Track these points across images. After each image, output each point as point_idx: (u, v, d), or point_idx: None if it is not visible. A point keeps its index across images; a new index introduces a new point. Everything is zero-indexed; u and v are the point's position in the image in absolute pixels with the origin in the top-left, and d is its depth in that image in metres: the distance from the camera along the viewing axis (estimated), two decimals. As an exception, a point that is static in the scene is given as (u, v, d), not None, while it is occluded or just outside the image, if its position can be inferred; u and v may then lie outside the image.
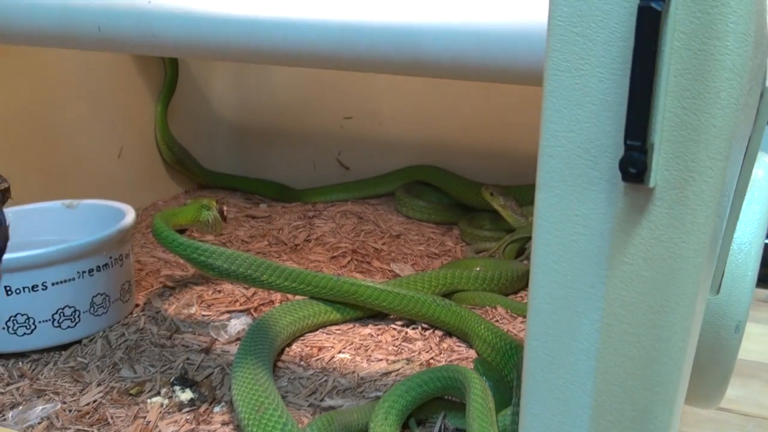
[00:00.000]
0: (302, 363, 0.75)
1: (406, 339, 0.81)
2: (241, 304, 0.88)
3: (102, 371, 0.74)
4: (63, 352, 0.77)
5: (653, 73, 0.30)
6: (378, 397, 0.68)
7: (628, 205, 0.33)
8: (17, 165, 1.00)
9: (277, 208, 1.25)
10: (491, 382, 0.64)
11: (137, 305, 0.88)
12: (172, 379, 0.72)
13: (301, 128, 1.36)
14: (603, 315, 0.34)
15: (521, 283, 0.94)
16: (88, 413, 0.67)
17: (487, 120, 1.22)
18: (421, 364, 0.75)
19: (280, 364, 0.76)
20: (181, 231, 0.97)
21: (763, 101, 0.43)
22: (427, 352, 0.78)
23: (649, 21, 0.29)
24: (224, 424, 0.65)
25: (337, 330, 0.83)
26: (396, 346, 0.79)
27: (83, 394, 0.70)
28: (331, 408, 0.67)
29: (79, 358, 0.76)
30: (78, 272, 0.76)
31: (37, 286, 0.74)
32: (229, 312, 0.86)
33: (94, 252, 0.77)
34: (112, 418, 0.67)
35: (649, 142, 0.31)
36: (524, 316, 0.85)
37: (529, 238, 1.04)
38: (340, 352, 0.78)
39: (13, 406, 0.68)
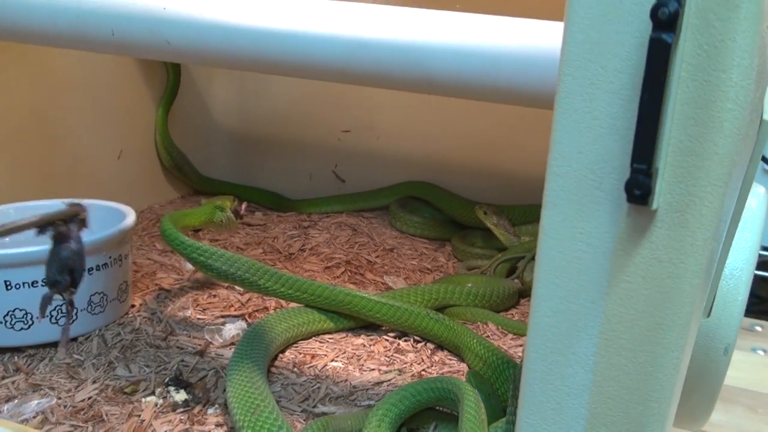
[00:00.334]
0: (295, 369, 0.77)
1: (398, 350, 0.82)
2: (236, 309, 0.89)
3: (97, 369, 0.75)
4: (59, 349, 0.78)
5: (661, 101, 0.32)
6: (370, 406, 0.69)
7: (630, 226, 0.34)
8: (18, 163, 1.01)
9: (273, 216, 1.26)
10: (483, 395, 0.65)
11: (133, 306, 0.89)
12: (166, 380, 0.73)
13: (299, 139, 1.38)
14: (602, 330, 0.36)
15: (512, 300, 0.96)
16: (83, 409, 0.68)
17: (484, 139, 1.24)
18: (412, 376, 0.76)
19: (273, 369, 0.77)
20: (197, 230, 0.98)
21: (759, 133, 0.44)
22: (419, 363, 0.79)
23: (660, 52, 0.31)
24: (218, 425, 0.66)
25: (330, 339, 0.84)
26: (388, 357, 0.80)
27: (78, 391, 0.71)
28: (324, 414, 0.68)
29: (75, 355, 0.77)
30: (78, 270, 0.77)
31: (37, 282, 0.75)
32: (223, 316, 0.87)
33: (95, 251, 0.79)
34: (106, 415, 0.67)
35: (654, 167, 0.32)
36: (514, 333, 0.87)
37: (520, 258, 1.06)
38: (333, 360, 0.79)
39: (8, 400, 0.69)
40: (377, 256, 1.10)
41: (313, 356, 0.80)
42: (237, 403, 0.64)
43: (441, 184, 1.27)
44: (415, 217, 1.22)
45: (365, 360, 0.79)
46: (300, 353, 0.80)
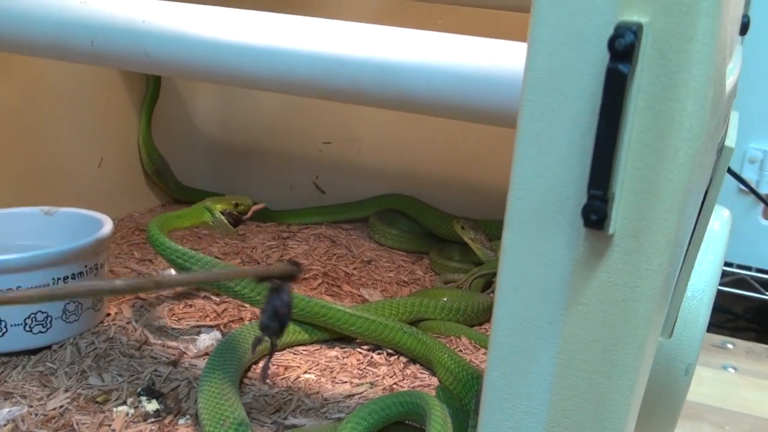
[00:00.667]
0: (268, 381, 0.77)
1: (371, 363, 0.82)
2: (211, 320, 0.89)
3: (70, 377, 0.75)
4: (32, 357, 0.78)
5: (617, 130, 0.32)
6: (340, 419, 0.70)
7: (587, 250, 0.35)
8: (-3, 168, 1.01)
9: (252, 227, 1.27)
10: (451, 410, 0.66)
11: (108, 314, 0.89)
12: (138, 390, 0.73)
13: (280, 150, 1.38)
14: (559, 351, 0.37)
15: (486, 315, 0.97)
16: (53, 418, 0.68)
17: (464, 155, 1.25)
18: (384, 389, 0.77)
19: (246, 380, 0.77)
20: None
21: (720, 160, 0.45)
22: (391, 377, 0.79)
23: (616, 82, 0.32)
24: (188, 436, 0.67)
25: (304, 350, 0.85)
26: (361, 370, 0.81)
27: (50, 399, 0.71)
28: (294, 426, 0.69)
29: (48, 364, 0.77)
30: (53, 279, 0.78)
31: (12, 290, 0.75)
32: (199, 326, 0.87)
33: (71, 260, 0.79)
34: (77, 424, 0.68)
35: (611, 192, 0.33)
36: (487, 348, 0.87)
37: (495, 273, 1.07)
38: (305, 372, 0.80)
39: (-21, 407, 0.69)
40: (355, 268, 1.11)
41: (286, 368, 0.80)
42: (207, 414, 0.65)
43: (421, 197, 1.28)
44: (393, 229, 1.23)
45: (338, 372, 0.80)
46: (273, 364, 0.81)
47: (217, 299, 0.94)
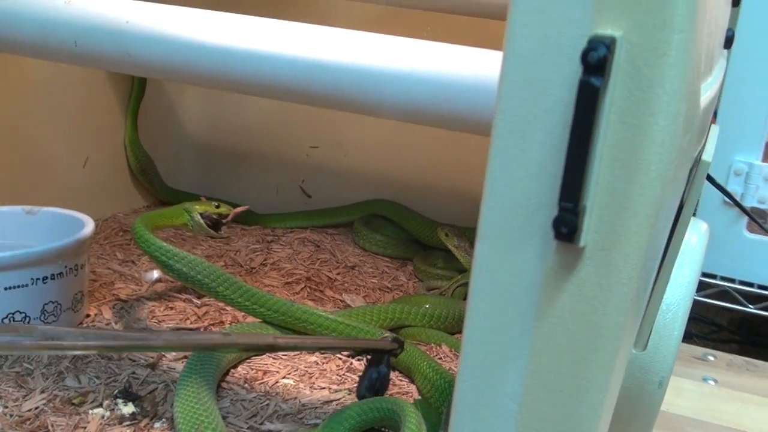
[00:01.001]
0: (246, 385, 0.77)
1: (350, 369, 0.82)
2: (191, 322, 0.89)
3: (47, 378, 0.74)
4: (9, 357, 0.77)
5: (589, 142, 0.32)
6: (317, 425, 0.69)
7: (558, 262, 0.35)
8: (-20, 166, 1.01)
9: (237, 230, 1.26)
10: (429, 424, 0.65)
11: (88, 315, 0.88)
12: (115, 392, 0.73)
13: (267, 153, 1.38)
14: (528, 362, 0.37)
15: (468, 323, 0.96)
16: (29, 419, 0.68)
17: (450, 162, 1.25)
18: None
19: (224, 384, 0.77)
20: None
21: (697, 173, 0.45)
22: (370, 384, 0.79)
23: (588, 95, 0.32)
24: (163, 440, 0.66)
25: (284, 356, 0.84)
26: (340, 376, 0.80)
27: (26, 400, 0.71)
28: (270, 432, 0.69)
29: (25, 364, 0.77)
30: (32, 279, 0.77)
31: (-5, 288, 0.75)
32: (179, 329, 0.87)
33: (51, 260, 0.78)
34: (52, 426, 0.67)
35: (581, 205, 0.33)
36: (467, 356, 0.87)
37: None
38: (284, 377, 0.79)
39: (-46, 407, 0.69)
40: (338, 273, 1.11)
41: (265, 372, 0.80)
42: (182, 418, 0.64)
43: (406, 204, 1.28)
44: (378, 235, 1.23)
45: (317, 378, 0.80)
46: (252, 369, 0.80)
47: (198, 302, 0.94)
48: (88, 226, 0.85)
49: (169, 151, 1.40)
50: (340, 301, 1.02)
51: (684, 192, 0.44)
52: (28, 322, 0.78)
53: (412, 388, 0.79)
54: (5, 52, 0.69)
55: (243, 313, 0.88)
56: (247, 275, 1.07)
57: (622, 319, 0.35)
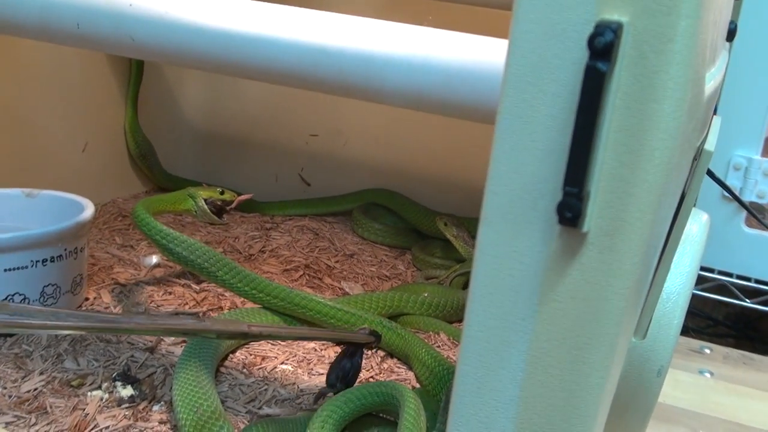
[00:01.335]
0: (244, 370, 0.77)
1: (349, 356, 0.82)
2: (190, 307, 0.89)
3: (46, 360, 0.75)
4: (8, 338, 0.78)
5: (594, 128, 0.32)
6: (315, 410, 0.70)
7: (561, 247, 0.35)
8: (-20, 149, 1.00)
9: (236, 217, 1.26)
10: (428, 413, 0.65)
11: (87, 299, 0.88)
12: (114, 375, 0.73)
13: (266, 141, 1.38)
14: (530, 347, 0.37)
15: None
16: (27, 400, 0.68)
17: (449, 151, 1.25)
18: (360, 382, 0.77)
19: (222, 369, 0.77)
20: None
21: (699, 163, 0.46)
22: (368, 370, 0.79)
23: (594, 80, 0.32)
24: (162, 422, 0.66)
25: (282, 342, 0.84)
26: (338, 363, 0.81)
27: (25, 381, 0.71)
28: (268, 416, 0.69)
29: (24, 346, 0.77)
30: (32, 261, 0.77)
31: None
32: (177, 314, 0.87)
33: (50, 243, 0.78)
34: (51, 407, 0.67)
35: (586, 190, 0.33)
36: (465, 345, 0.87)
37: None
38: (282, 363, 0.79)
39: (-48, 387, 0.69)
40: (337, 261, 1.11)
41: (263, 358, 0.80)
42: (181, 401, 0.65)
43: (405, 193, 1.28)
44: (377, 224, 1.23)
45: (315, 364, 0.80)
46: (251, 354, 0.80)
47: (197, 287, 0.94)
48: (88, 210, 0.85)
49: (169, 137, 1.39)
50: (339, 288, 1.02)
51: (686, 181, 0.44)
52: (28, 305, 0.78)
53: (410, 375, 0.80)
54: (6, 33, 0.68)
55: (242, 299, 0.88)
56: (245, 262, 1.07)
57: (623, 304, 0.35)
